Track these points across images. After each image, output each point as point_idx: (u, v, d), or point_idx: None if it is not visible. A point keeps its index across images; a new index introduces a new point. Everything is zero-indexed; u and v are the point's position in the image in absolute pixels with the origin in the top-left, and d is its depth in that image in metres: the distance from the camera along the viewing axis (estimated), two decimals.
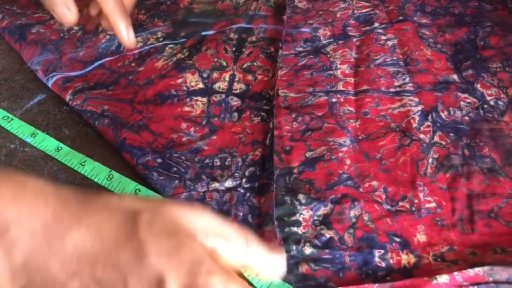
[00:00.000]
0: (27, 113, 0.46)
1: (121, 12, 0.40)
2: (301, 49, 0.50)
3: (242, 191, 0.39)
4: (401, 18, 0.52)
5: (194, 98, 0.46)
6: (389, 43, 0.49)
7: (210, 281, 0.24)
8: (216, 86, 0.47)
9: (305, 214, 0.37)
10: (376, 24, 0.51)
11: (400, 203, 0.38)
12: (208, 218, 0.27)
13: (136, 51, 0.50)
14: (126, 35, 0.40)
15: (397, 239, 0.36)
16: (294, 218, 0.37)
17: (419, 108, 0.43)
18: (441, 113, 0.43)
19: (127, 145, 0.41)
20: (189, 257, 0.24)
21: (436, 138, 0.41)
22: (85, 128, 0.44)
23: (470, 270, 0.32)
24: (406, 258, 0.35)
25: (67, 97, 0.46)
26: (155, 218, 0.25)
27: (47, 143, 0.43)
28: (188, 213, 0.27)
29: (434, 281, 0.32)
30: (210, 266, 0.25)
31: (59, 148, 0.42)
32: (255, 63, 0.49)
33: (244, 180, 0.40)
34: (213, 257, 0.26)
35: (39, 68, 0.49)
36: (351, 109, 0.44)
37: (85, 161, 0.41)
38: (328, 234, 0.36)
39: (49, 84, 0.47)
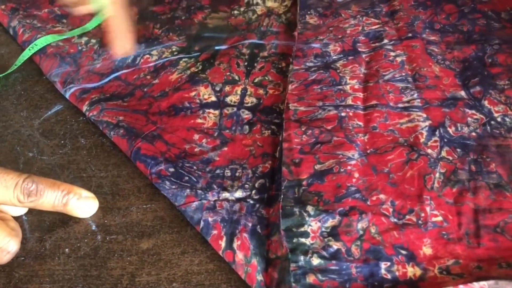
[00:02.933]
0: (45, 122, 0.48)
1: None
2: (311, 64, 0.51)
3: (251, 202, 0.40)
4: (410, 35, 0.53)
5: (207, 110, 0.47)
6: (398, 59, 0.50)
7: None
8: (228, 99, 0.48)
9: (313, 225, 0.38)
10: (386, 41, 0.53)
11: (407, 217, 0.38)
12: None
13: (151, 64, 0.52)
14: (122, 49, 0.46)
15: (404, 252, 0.36)
16: (302, 229, 0.38)
17: (427, 123, 0.44)
18: (448, 129, 0.44)
19: (141, 155, 0.43)
20: None
21: (443, 153, 0.42)
22: (100, 138, 0.46)
23: (475, 283, 0.33)
24: (412, 271, 0.35)
25: (84, 108, 0.47)
26: None
27: None
28: None
29: None
30: None
31: None
32: (266, 78, 0.50)
33: (253, 192, 0.41)
34: None
35: (57, 80, 0.50)
36: (360, 123, 0.45)
37: None
38: (335, 245, 0.37)
39: (67, 95, 0.49)
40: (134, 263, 0.37)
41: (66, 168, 0.44)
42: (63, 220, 0.40)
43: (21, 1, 0.59)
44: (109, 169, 0.43)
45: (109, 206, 0.41)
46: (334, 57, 0.52)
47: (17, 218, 0.40)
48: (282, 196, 0.39)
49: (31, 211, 0.41)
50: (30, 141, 0.46)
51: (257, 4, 0.58)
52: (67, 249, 0.38)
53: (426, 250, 0.36)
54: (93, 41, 0.55)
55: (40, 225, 0.40)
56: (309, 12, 0.57)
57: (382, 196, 0.39)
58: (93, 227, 0.39)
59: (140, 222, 0.40)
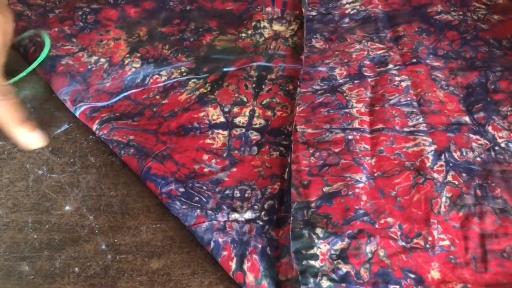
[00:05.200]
0: (55, 140, 0.48)
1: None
2: (318, 87, 0.52)
3: (261, 223, 0.41)
4: (414, 60, 0.54)
5: (216, 131, 0.48)
6: (403, 84, 0.51)
7: None
8: (236, 120, 0.49)
9: (322, 248, 0.38)
10: (390, 66, 0.54)
11: (415, 240, 0.39)
12: None
13: (160, 84, 0.53)
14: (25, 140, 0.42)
15: (412, 275, 0.37)
16: (311, 251, 0.38)
17: (433, 148, 0.45)
18: (453, 154, 0.45)
19: (152, 174, 0.43)
20: None
21: (449, 178, 0.43)
22: (110, 157, 0.46)
23: None
24: None
25: (94, 127, 0.48)
26: None
27: None
28: None
29: None
30: None
31: None
32: (274, 100, 0.51)
33: (263, 213, 0.41)
34: None
35: (67, 98, 0.51)
36: (366, 146, 0.45)
37: None
38: (345, 268, 0.37)
39: (77, 113, 0.49)
40: (144, 283, 0.37)
41: (76, 186, 0.44)
42: (72, 238, 0.40)
43: (31, 20, 0.60)
44: (118, 188, 0.44)
45: (119, 225, 0.41)
46: (341, 80, 0.53)
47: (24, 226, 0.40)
48: (291, 218, 0.40)
49: (40, 229, 0.41)
50: (40, 158, 0.46)
51: (264, 27, 0.59)
52: (77, 268, 0.38)
53: (434, 274, 0.37)
54: (103, 60, 0.56)
55: (50, 244, 0.40)
56: (315, 36, 0.58)
57: (390, 220, 0.40)
58: (103, 246, 0.40)
59: (150, 241, 0.40)
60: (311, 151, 0.45)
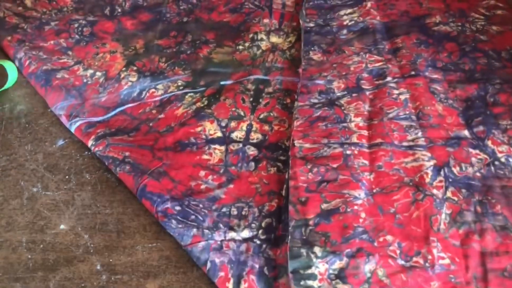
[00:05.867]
0: (49, 156, 0.47)
1: None
2: (316, 100, 0.51)
3: (258, 242, 0.40)
4: (413, 73, 0.53)
5: (213, 146, 0.47)
6: (402, 97, 0.51)
7: None
8: (233, 135, 0.48)
9: (320, 267, 0.38)
10: (389, 78, 0.53)
11: (414, 259, 0.38)
12: None
13: (157, 99, 0.52)
14: None
15: None
16: (310, 271, 0.37)
17: (432, 163, 0.44)
18: (453, 169, 0.44)
19: (147, 192, 0.42)
20: None
21: (449, 194, 0.42)
22: (105, 174, 0.46)
23: None
24: None
25: (90, 143, 0.47)
26: None
27: None
28: None
29: None
30: None
31: None
32: (271, 114, 0.51)
33: (260, 232, 0.41)
34: None
35: (62, 113, 0.50)
36: (365, 161, 0.45)
37: None
38: None
39: (72, 129, 0.49)
40: None
41: (71, 204, 0.43)
42: (67, 258, 0.40)
43: (27, 33, 0.59)
44: (114, 206, 0.43)
45: (114, 245, 0.40)
46: (338, 94, 0.52)
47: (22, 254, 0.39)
48: (289, 237, 0.39)
49: (34, 249, 0.40)
50: (34, 175, 0.46)
51: (262, 39, 0.59)
52: None
53: None
54: (99, 73, 0.55)
55: (44, 264, 0.39)
56: (312, 48, 0.57)
57: (389, 237, 0.39)
58: (98, 267, 0.39)
59: (145, 261, 0.39)
60: (309, 167, 0.44)
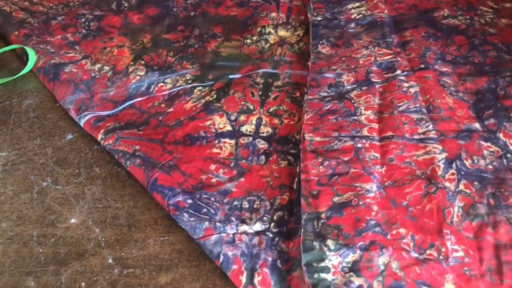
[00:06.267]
0: (59, 150, 0.47)
1: None
2: (325, 94, 0.51)
3: (270, 235, 0.40)
4: (422, 66, 0.53)
5: (222, 140, 0.47)
6: (412, 90, 0.51)
7: None
8: (243, 129, 0.48)
9: (334, 260, 0.37)
10: (398, 71, 0.53)
11: (428, 251, 0.38)
12: None
13: (165, 92, 0.52)
14: None
15: None
16: (323, 264, 0.37)
17: (443, 155, 0.44)
18: (465, 161, 0.44)
19: (159, 185, 0.42)
20: None
21: (461, 187, 0.42)
22: (115, 168, 0.45)
23: None
24: None
25: (99, 137, 0.47)
26: None
27: None
28: None
29: None
30: None
31: None
32: (281, 107, 0.50)
33: (272, 225, 0.41)
34: None
35: (71, 107, 0.50)
36: (376, 154, 0.45)
37: None
38: (357, 281, 0.36)
39: (81, 123, 0.49)
40: None
41: (81, 198, 0.43)
42: (78, 252, 0.39)
43: (34, 28, 0.59)
44: (124, 200, 0.43)
45: (126, 238, 0.40)
46: (348, 87, 0.52)
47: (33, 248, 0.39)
48: (302, 230, 0.39)
49: (45, 243, 0.40)
50: (44, 169, 0.45)
51: (270, 33, 0.59)
52: (83, 283, 0.37)
53: (449, 286, 0.36)
54: (106, 68, 0.55)
55: (55, 258, 0.39)
56: (321, 42, 0.57)
57: (402, 230, 0.39)
58: (110, 260, 0.39)
59: (157, 255, 0.39)
60: (320, 160, 0.44)
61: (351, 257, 0.38)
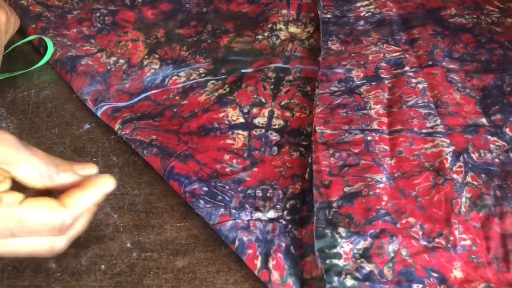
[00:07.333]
0: (76, 140, 0.48)
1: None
2: (335, 88, 0.52)
3: (284, 222, 0.41)
4: (430, 63, 0.54)
5: (236, 131, 0.48)
6: (420, 86, 0.52)
7: None
8: (256, 121, 0.50)
9: (345, 247, 0.39)
10: (407, 68, 0.54)
11: (436, 240, 0.39)
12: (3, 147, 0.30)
13: (179, 85, 0.53)
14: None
15: (435, 275, 0.37)
16: (335, 250, 0.38)
17: (451, 149, 0.45)
18: (472, 155, 0.45)
19: (175, 174, 0.43)
20: None
21: (469, 179, 0.43)
22: (132, 157, 0.47)
23: None
24: None
25: (116, 127, 0.48)
26: None
27: None
28: None
29: None
30: None
31: None
32: (292, 101, 0.52)
33: (285, 212, 0.42)
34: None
35: (88, 98, 0.51)
36: (386, 147, 0.46)
37: None
38: (368, 267, 0.37)
39: (99, 113, 0.50)
40: (170, 281, 0.38)
41: None
42: (97, 236, 0.41)
43: (50, 21, 0.60)
44: (142, 187, 0.44)
45: (143, 224, 0.41)
46: (358, 82, 0.53)
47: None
48: (314, 218, 0.40)
49: None
50: (62, 158, 0.46)
51: (280, 29, 0.60)
52: (103, 266, 0.39)
53: (457, 273, 0.37)
54: (122, 61, 0.56)
55: (75, 242, 0.40)
56: (331, 38, 0.58)
57: (411, 219, 0.41)
58: (128, 244, 0.40)
59: (174, 240, 0.40)
60: (331, 152, 0.46)
61: (362, 244, 0.39)
